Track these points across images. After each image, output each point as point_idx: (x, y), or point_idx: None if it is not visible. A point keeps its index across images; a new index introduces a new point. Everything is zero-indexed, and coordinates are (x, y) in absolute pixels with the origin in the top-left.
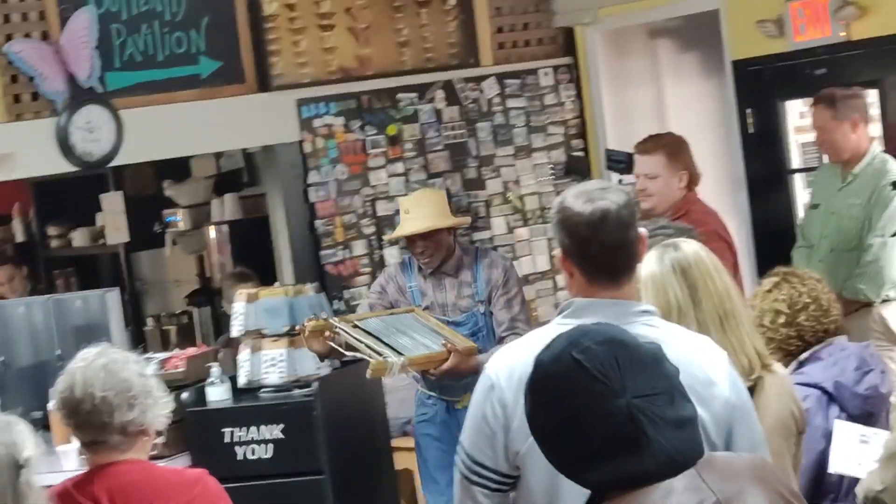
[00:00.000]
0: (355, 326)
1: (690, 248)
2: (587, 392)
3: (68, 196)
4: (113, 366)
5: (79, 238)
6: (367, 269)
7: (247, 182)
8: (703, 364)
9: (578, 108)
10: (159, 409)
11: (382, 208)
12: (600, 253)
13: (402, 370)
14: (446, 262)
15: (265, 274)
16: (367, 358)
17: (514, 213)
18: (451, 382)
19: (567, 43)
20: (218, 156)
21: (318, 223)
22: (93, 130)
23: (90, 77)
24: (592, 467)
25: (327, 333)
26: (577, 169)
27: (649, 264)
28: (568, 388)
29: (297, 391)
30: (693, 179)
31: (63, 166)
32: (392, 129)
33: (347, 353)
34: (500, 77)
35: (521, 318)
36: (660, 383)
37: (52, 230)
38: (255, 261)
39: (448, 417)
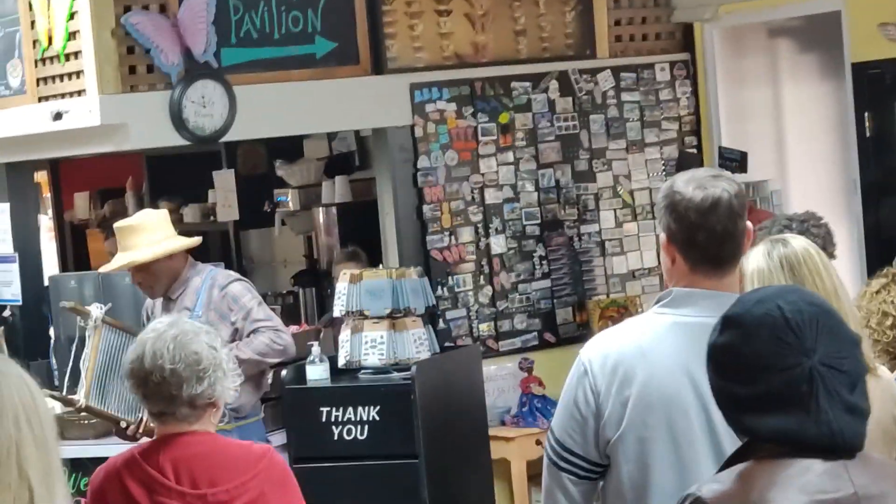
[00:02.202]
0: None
1: (800, 244)
2: (779, 340)
3: (181, 172)
4: (183, 338)
5: (190, 214)
6: (473, 257)
7: (358, 166)
8: None
9: (694, 105)
10: (228, 382)
11: (491, 196)
12: (707, 241)
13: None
14: (171, 286)
15: (371, 257)
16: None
17: (624, 207)
18: None
19: (685, 39)
20: (331, 138)
21: (425, 208)
22: (206, 105)
23: (206, 52)
24: (755, 413)
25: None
26: (689, 165)
27: (757, 259)
28: (762, 329)
29: (395, 374)
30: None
31: (175, 139)
32: (504, 118)
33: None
34: (616, 70)
35: (260, 317)
36: (849, 364)
37: (163, 205)
38: (361, 243)
39: None
